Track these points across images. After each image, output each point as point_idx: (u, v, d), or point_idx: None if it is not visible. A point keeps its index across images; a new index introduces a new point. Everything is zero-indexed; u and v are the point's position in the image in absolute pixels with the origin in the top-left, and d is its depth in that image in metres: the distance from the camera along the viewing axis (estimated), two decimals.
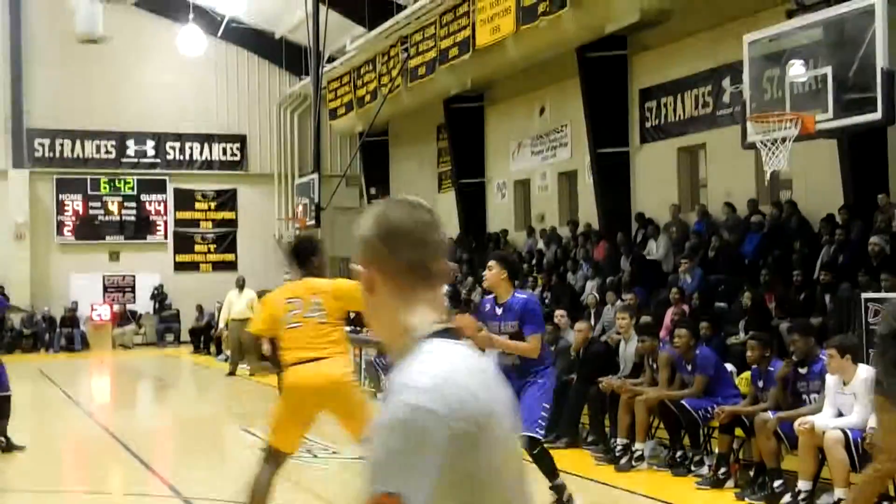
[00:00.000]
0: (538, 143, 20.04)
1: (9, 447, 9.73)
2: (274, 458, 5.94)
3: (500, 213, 21.72)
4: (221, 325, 19.81)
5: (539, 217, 20.13)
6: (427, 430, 1.60)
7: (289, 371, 5.93)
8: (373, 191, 27.15)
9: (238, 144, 28.78)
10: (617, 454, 9.01)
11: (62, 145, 27.20)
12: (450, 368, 1.69)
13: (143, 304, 27.77)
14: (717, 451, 8.24)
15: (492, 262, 7.03)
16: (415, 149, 25.38)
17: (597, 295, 14.05)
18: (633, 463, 8.80)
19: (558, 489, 6.95)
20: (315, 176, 26.46)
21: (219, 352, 22.03)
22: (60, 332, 25.30)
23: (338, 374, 5.87)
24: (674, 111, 16.04)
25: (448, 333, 1.80)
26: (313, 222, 26.52)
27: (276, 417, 5.96)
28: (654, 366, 9.20)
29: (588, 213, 17.52)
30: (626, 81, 17.01)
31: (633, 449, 8.87)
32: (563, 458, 8.16)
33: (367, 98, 23.15)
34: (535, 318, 6.88)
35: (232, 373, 18.28)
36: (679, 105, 15.91)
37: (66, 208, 27.21)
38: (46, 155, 27.04)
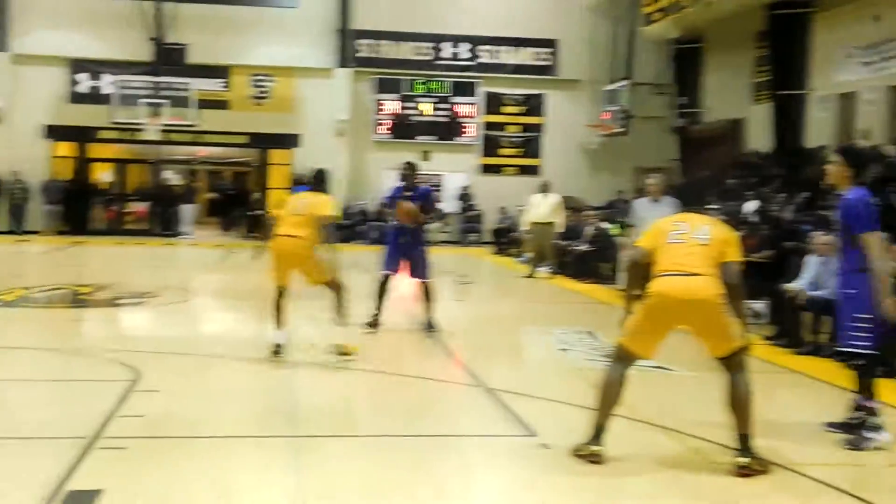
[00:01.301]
0: (869, 53, 18.60)
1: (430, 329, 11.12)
2: (625, 359, 6.14)
3: (819, 128, 20.46)
4: (524, 227, 20.10)
5: (863, 133, 18.78)
6: None
7: (657, 280, 6.01)
8: (683, 100, 26.37)
9: (549, 49, 28.75)
10: None
11: (383, 46, 28.30)
12: None
13: (449, 203, 28.72)
14: None
15: (834, 156, 6.82)
16: (730, 57, 24.30)
17: None
18: None
19: (869, 411, 6.66)
20: (625, 83, 26.04)
21: (519, 254, 22.43)
22: (372, 226, 26.68)
23: (707, 293, 5.89)
24: None
25: None
26: (621, 130, 26.21)
27: (636, 321, 6.06)
28: None
29: None
30: None
31: None
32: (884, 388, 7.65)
33: (684, 3, 22.31)
34: (858, 219, 6.54)
35: (531, 275, 18.59)
36: None
37: (383, 108, 28.44)
38: (368, 55, 28.27)
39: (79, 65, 27.46)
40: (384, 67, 28.36)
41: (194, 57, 26.40)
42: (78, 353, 9.35)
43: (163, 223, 28.54)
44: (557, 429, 6.80)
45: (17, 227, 26.86)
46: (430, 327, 11.17)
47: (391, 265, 11.14)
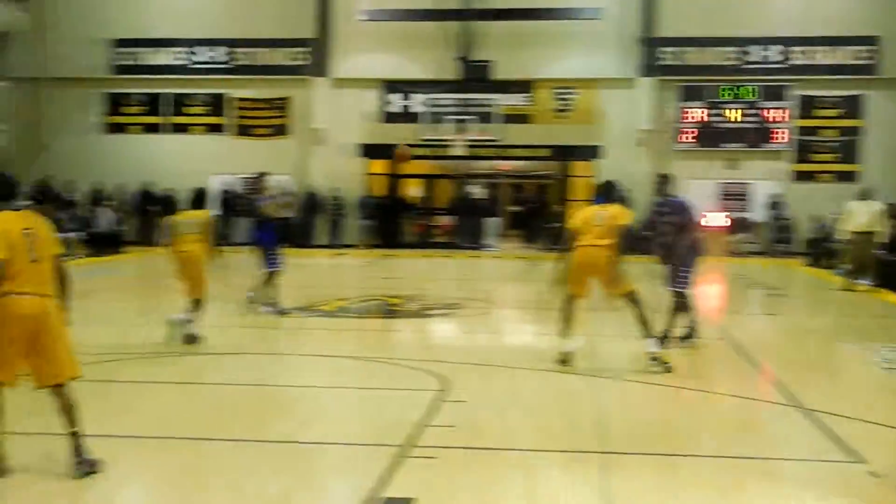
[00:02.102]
0: None
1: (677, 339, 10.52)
2: None
3: None
4: (842, 237, 18.91)
5: None
6: None
7: None
8: None
9: (870, 46, 26.96)
10: None
11: (687, 53, 27.67)
12: None
13: (758, 212, 27.60)
14: None
15: None
16: None
17: None
18: None
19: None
20: None
21: (836, 265, 21.12)
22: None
23: None
24: None
25: None
26: None
27: None
28: None
29: None
30: None
31: None
32: None
33: None
34: None
35: (849, 288, 17.43)
36: None
37: (687, 116, 27.78)
38: (672, 63, 27.73)
39: (391, 86, 28.83)
40: (688, 75, 27.69)
41: (499, 73, 26.96)
42: (390, 363, 9.71)
43: (468, 236, 29.34)
44: (888, 456, 6.26)
45: (334, 241, 28.54)
46: (684, 338, 10.62)
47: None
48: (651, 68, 27.69)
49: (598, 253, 9.15)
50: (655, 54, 27.67)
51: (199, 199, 11.10)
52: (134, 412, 7.55)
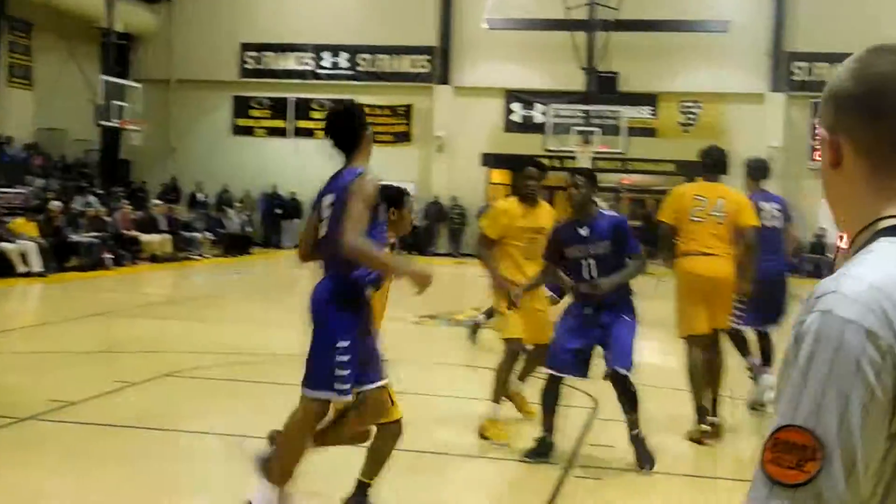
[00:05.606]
0: None
1: None
2: None
3: None
4: None
5: None
6: (847, 346, 1.18)
7: None
8: None
9: None
10: None
11: (820, 69, 26.87)
12: (892, 273, 1.23)
13: None
14: None
15: None
16: None
17: None
18: None
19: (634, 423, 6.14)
20: None
21: None
22: (805, 258, 25.26)
23: None
24: None
25: None
26: None
27: None
28: None
29: None
30: None
31: None
32: None
33: None
34: None
35: None
36: None
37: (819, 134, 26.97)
38: (804, 79, 26.95)
39: (514, 95, 28.71)
40: (821, 91, 26.85)
41: (624, 85, 26.62)
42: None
43: None
44: None
45: (456, 250, 28.49)
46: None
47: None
48: (781, 83, 26.96)
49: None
50: (788, 69, 26.93)
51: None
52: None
